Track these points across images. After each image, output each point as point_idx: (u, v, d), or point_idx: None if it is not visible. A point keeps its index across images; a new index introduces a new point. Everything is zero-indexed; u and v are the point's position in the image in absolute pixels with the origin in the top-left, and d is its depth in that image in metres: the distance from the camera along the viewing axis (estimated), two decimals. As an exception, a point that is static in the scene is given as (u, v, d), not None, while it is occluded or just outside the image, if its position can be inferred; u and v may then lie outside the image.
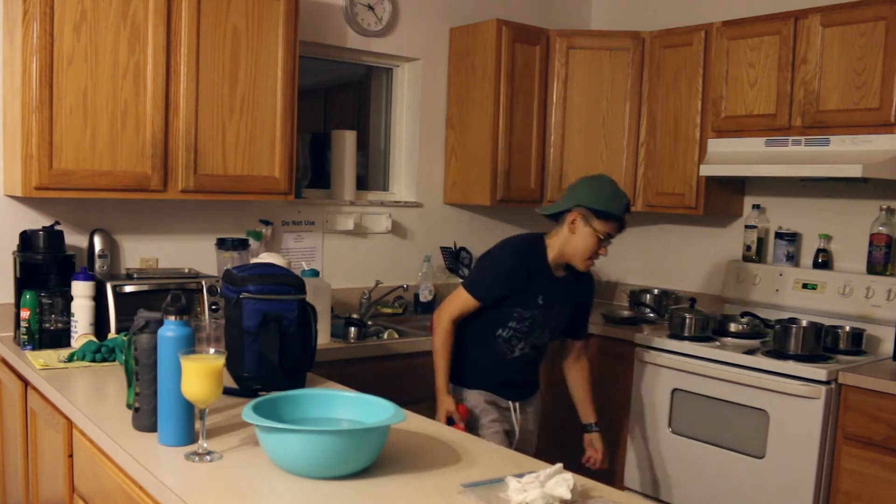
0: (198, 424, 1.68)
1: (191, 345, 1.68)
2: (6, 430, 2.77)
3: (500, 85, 3.73)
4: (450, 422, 2.44)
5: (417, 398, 2.60)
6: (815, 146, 3.19)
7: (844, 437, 2.86)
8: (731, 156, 3.45)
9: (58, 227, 2.79)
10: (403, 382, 2.63)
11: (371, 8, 3.65)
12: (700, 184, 3.61)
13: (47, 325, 2.66)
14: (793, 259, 3.61)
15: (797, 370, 2.94)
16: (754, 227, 3.70)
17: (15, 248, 2.76)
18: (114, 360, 2.43)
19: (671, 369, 3.34)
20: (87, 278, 2.65)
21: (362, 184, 3.88)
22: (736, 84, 3.46)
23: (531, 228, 4.25)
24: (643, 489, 3.45)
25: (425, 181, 3.88)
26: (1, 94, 2.81)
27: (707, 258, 3.98)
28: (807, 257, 3.59)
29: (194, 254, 3.22)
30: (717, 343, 3.31)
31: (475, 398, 2.56)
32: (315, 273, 3.01)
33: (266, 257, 2.80)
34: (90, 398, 2.10)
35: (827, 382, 2.87)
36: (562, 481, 1.45)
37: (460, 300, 2.50)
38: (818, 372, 2.89)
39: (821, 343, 3.08)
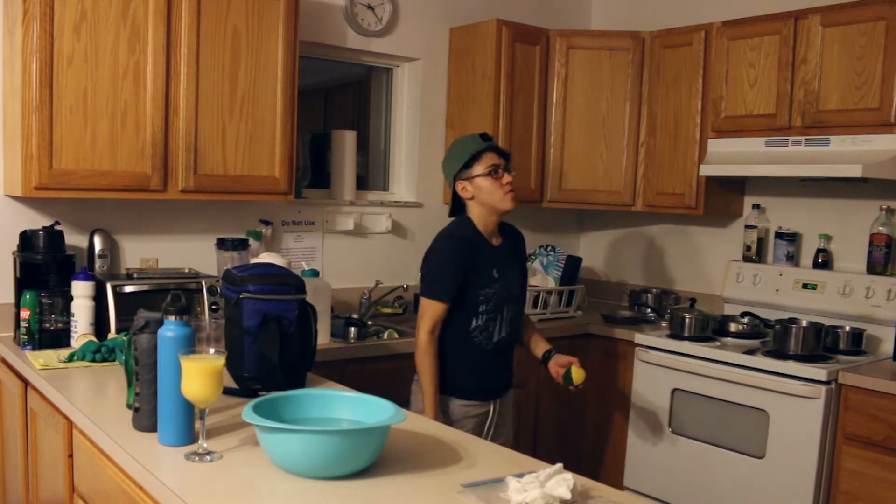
0: (198, 424, 1.68)
1: (191, 345, 1.68)
2: (6, 430, 2.78)
3: (500, 85, 3.73)
4: None
5: (417, 398, 2.59)
6: (815, 146, 3.19)
7: (844, 437, 2.86)
8: (731, 156, 3.45)
9: (58, 227, 2.79)
10: (403, 382, 2.62)
11: (371, 8, 3.65)
12: (700, 184, 3.61)
13: (47, 325, 2.66)
14: (793, 259, 3.61)
15: (797, 370, 2.94)
16: (754, 227, 3.70)
17: (15, 248, 2.76)
18: (114, 360, 2.43)
19: (671, 369, 3.34)
20: (87, 278, 2.65)
21: (362, 184, 3.88)
22: (736, 84, 3.46)
23: (531, 228, 4.27)
24: (643, 489, 3.45)
25: (425, 181, 3.88)
26: (1, 94, 2.81)
27: (707, 258, 3.98)
28: (807, 257, 3.59)
29: (194, 254, 3.22)
30: (717, 343, 3.31)
31: (459, 410, 2.53)
32: (315, 273, 3.01)
33: (266, 257, 2.80)
34: (90, 398, 2.10)
35: (827, 382, 2.87)
36: (562, 481, 1.45)
37: (428, 311, 2.46)
38: (818, 372, 2.89)
39: (821, 343, 3.08)
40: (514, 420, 2.87)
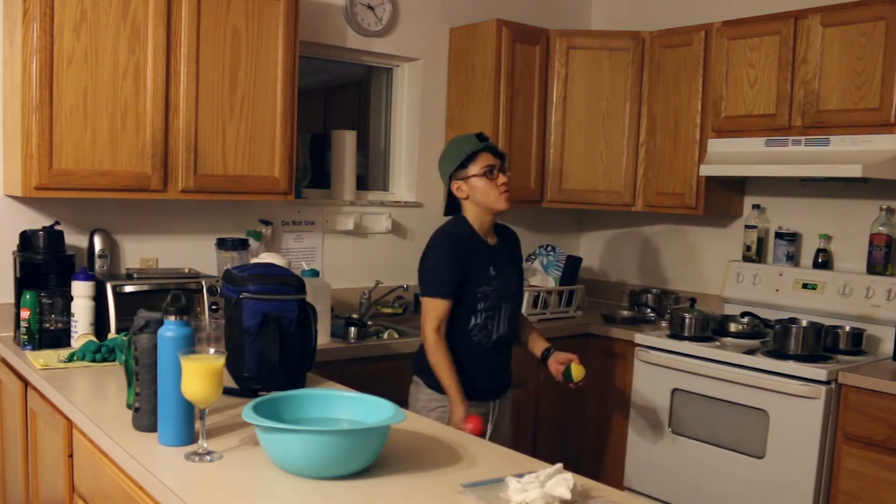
0: (198, 424, 1.68)
1: (191, 345, 1.68)
2: (6, 430, 2.78)
3: (500, 85, 3.73)
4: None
5: (417, 398, 2.59)
6: (815, 146, 3.19)
7: (844, 437, 2.86)
8: (731, 156, 3.45)
9: (58, 227, 2.79)
10: (403, 382, 2.62)
11: (371, 8, 3.65)
12: (700, 184, 3.61)
13: (47, 325, 2.66)
14: (793, 259, 3.61)
15: (797, 370, 2.94)
16: (754, 227, 3.70)
17: (15, 248, 2.76)
18: (114, 360, 2.43)
19: (671, 369, 3.34)
20: (87, 278, 2.65)
21: (362, 184, 3.88)
22: (736, 84, 3.46)
23: (531, 228, 4.27)
24: (643, 489, 3.45)
25: (425, 181, 3.88)
26: (1, 94, 2.81)
27: (707, 258, 3.98)
28: (807, 257, 3.59)
29: (194, 254, 3.22)
30: (717, 343, 3.31)
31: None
32: (315, 273, 3.01)
33: (266, 257, 2.80)
34: (90, 398, 2.10)
35: (827, 382, 2.87)
36: (562, 481, 1.45)
37: (431, 310, 2.45)
38: (818, 372, 2.89)
39: (821, 343, 3.08)
40: (514, 420, 2.87)
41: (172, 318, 1.69)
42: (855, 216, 3.43)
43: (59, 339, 2.67)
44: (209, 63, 2.85)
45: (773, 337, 3.15)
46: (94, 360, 2.42)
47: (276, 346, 2.10)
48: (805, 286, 3.48)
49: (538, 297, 3.70)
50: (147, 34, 2.71)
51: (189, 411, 1.70)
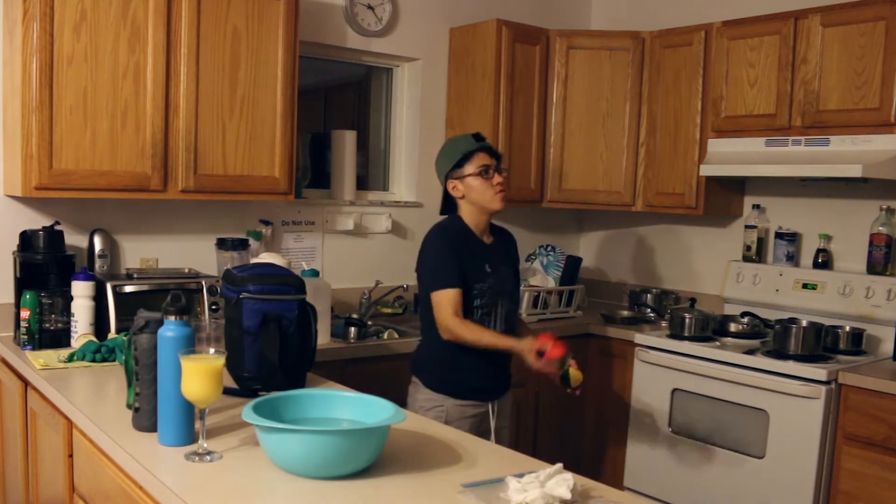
0: (198, 424, 1.68)
1: (191, 345, 1.68)
2: (6, 430, 2.78)
3: (500, 85, 3.73)
4: (540, 354, 2.38)
5: (417, 398, 2.59)
6: (815, 146, 3.19)
7: (844, 437, 2.86)
8: (731, 156, 3.45)
9: (58, 227, 2.79)
10: (403, 382, 2.62)
11: (371, 8, 3.65)
12: (700, 184, 3.61)
13: (47, 325, 2.66)
14: (793, 259, 3.61)
15: (797, 370, 2.94)
16: (754, 227, 3.70)
17: (15, 248, 2.76)
18: (114, 360, 2.43)
19: (671, 369, 3.34)
20: (87, 278, 2.65)
21: (362, 184, 3.88)
22: (736, 84, 3.46)
23: (531, 228, 4.27)
24: (643, 489, 3.45)
25: (425, 181, 3.87)
26: (1, 94, 2.81)
27: (707, 258, 3.98)
28: (807, 257, 3.59)
29: (194, 254, 3.22)
30: (717, 343, 3.31)
31: (456, 411, 2.53)
32: (315, 273, 3.02)
33: (266, 257, 2.80)
34: (90, 398, 2.10)
35: (827, 382, 2.87)
36: (562, 481, 1.45)
37: (444, 300, 2.43)
38: (818, 372, 2.89)
39: (821, 343, 3.08)
40: (514, 420, 2.87)
41: (172, 318, 1.69)
42: (855, 216, 3.43)
43: (59, 339, 2.67)
44: (209, 63, 2.85)
45: (773, 337, 3.15)
46: (94, 360, 2.42)
47: (276, 346, 2.10)
48: (805, 286, 3.48)
49: (538, 297, 3.70)
50: (147, 34, 2.71)
51: (189, 411, 1.70)
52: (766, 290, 3.60)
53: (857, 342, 3.18)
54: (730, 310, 3.72)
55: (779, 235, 3.64)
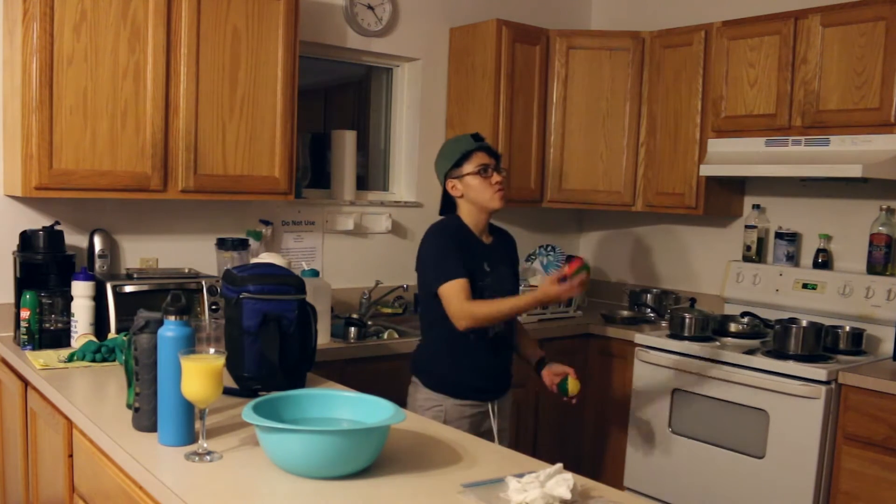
0: (198, 424, 1.68)
1: (191, 345, 1.68)
2: (6, 430, 2.78)
3: (500, 85, 3.73)
4: (563, 280, 2.36)
5: (417, 398, 2.59)
6: (815, 146, 3.19)
7: (844, 437, 2.86)
8: (731, 156, 3.45)
9: (58, 227, 2.79)
10: (403, 382, 2.62)
11: (371, 8, 3.65)
12: (700, 184, 3.61)
13: (47, 325, 2.66)
14: (793, 259, 3.61)
15: (797, 370, 2.94)
16: (754, 227, 3.70)
17: (15, 248, 2.76)
18: (114, 360, 2.43)
19: (671, 369, 3.34)
20: (87, 278, 2.65)
21: (362, 184, 3.88)
22: (736, 84, 3.46)
23: (531, 228, 4.27)
24: (643, 489, 3.45)
25: (425, 181, 3.87)
26: (1, 94, 2.81)
27: (707, 258, 3.98)
28: (807, 257, 3.59)
29: (194, 254, 3.22)
30: (717, 343, 3.31)
31: (455, 410, 2.53)
32: (315, 273, 3.02)
33: (266, 257, 2.80)
34: (90, 398, 2.10)
35: (827, 382, 2.87)
36: (562, 481, 1.45)
37: (452, 291, 2.40)
38: (818, 372, 2.89)
39: (821, 343, 3.08)
40: (514, 420, 2.87)
41: (172, 318, 1.69)
42: (855, 216, 3.43)
43: (59, 339, 2.67)
44: (209, 63, 2.85)
45: (773, 337, 3.15)
46: (94, 360, 2.42)
47: (276, 346, 2.10)
48: (805, 286, 3.48)
49: (538, 297, 3.70)
50: (147, 34, 2.71)
51: (189, 411, 1.70)
52: (766, 290, 3.60)
53: (857, 342, 3.18)
54: (730, 310, 3.72)
55: (779, 235, 3.64)
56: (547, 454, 3.21)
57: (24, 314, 2.60)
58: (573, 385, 2.58)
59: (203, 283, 2.85)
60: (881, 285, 3.24)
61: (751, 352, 3.15)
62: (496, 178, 2.49)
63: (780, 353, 3.06)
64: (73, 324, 2.64)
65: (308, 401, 1.74)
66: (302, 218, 3.53)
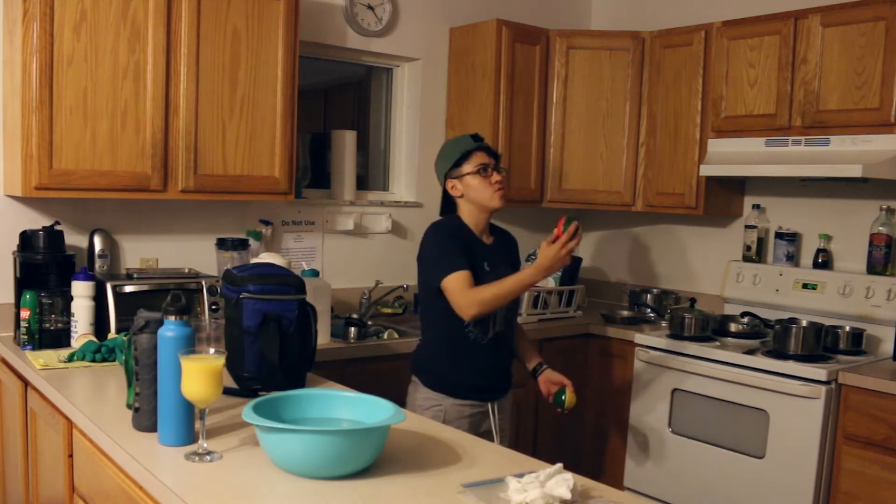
0: (198, 424, 1.68)
1: (191, 345, 1.68)
2: (6, 430, 2.78)
3: (500, 85, 3.73)
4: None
5: (417, 398, 2.59)
6: (815, 146, 3.19)
7: (844, 437, 2.87)
8: (731, 156, 3.45)
9: (58, 227, 2.79)
10: (403, 382, 2.62)
11: (371, 8, 3.65)
12: (700, 184, 3.61)
13: (47, 325, 2.66)
14: (793, 259, 3.61)
15: (797, 370, 2.94)
16: (754, 227, 3.70)
17: (15, 248, 2.76)
18: (114, 360, 2.43)
19: (671, 369, 3.34)
20: (87, 278, 2.65)
21: (362, 184, 3.88)
22: (736, 84, 3.46)
23: (531, 228, 4.27)
24: (643, 489, 3.45)
25: (425, 181, 3.87)
26: (1, 94, 2.81)
27: (707, 258, 3.98)
28: (807, 257, 3.59)
29: (194, 254, 3.22)
30: (717, 343, 3.31)
31: (454, 410, 2.53)
32: (315, 273, 3.02)
33: (266, 257, 2.80)
34: (90, 398, 2.10)
35: (827, 382, 2.87)
36: (562, 481, 1.45)
37: (456, 283, 2.39)
38: (818, 372, 2.89)
39: (821, 343, 3.08)
40: (514, 420, 2.87)
41: (172, 318, 1.69)
42: (855, 216, 3.43)
43: (59, 339, 2.67)
44: (209, 63, 2.85)
45: (773, 337, 3.15)
46: (94, 360, 2.42)
47: (276, 346, 2.10)
48: (805, 286, 3.48)
49: (538, 297, 3.70)
50: (147, 34, 2.71)
51: (189, 411, 1.70)
52: (766, 290, 3.60)
53: (857, 342, 3.18)
54: (730, 310, 3.72)
55: (779, 235, 3.64)
56: (547, 454, 3.21)
57: (24, 314, 2.60)
58: (570, 398, 2.61)
59: (203, 283, 2.85)
60: (881, 285, 3.24)
61: (751, 352, 3.15)
62: (496, 177, 2.50)
63: (780, 353, 3.06)
64: (73, 324, 2.64)
65: (308, 401, 1.74)
66: (302, 218, 3.53)
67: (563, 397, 2.60)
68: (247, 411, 1.56)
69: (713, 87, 3.54)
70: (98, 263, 2.94)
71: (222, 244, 3.14)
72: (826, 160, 3.11)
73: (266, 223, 3.39)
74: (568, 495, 1.43)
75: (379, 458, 1.62)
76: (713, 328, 3.42)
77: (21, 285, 2.69)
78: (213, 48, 2.85)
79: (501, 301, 2.41)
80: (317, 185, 3.71)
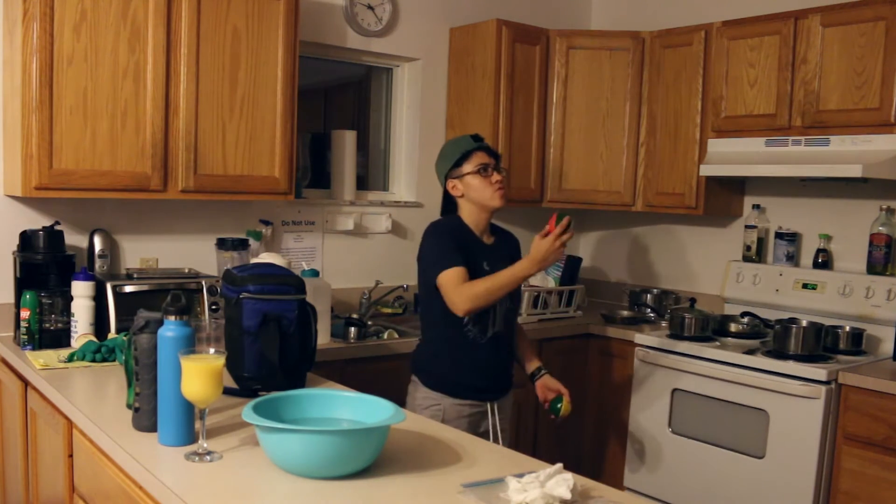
0: (198, 424, 1.68)
1: (191, 345, 1.68)
2: (6, 430, 2.78)
3: (500, 85, 3.73)
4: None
5: (417, 398, 2.59)
6: (815, 146, 3.19)
7: (844, 437, 2.87)
8: (731, 156, 3.45)
9: (58, 227, 2.79)
10: (403, 382, 2.62)
11: (371, 8, 3.65)
12: (700, 184, 3.61)
13: (47, 325, 2.66)
14: (793, 259, 3.61)
15: (797, 370, 2.94)
16: (754, 227, 3.70)
17: (15, 248, 2.76)
18: (114, 360, 2.43)
19: (671, 369, 3.34)
20: (87, 278, 2.65)
21: (362, 184, 3.88)
22: (736, 84, 3.46)
23: (531, 228, 4.26)
24: (643, 489, 3.45)
25: (425, 181, 3.87)
26: (1, 94, 2.81)
27: (707, 258, 3.98)
28: (807, 257, 3.59)
29: (194, 254, 3.22)
30: (717, 343, 3.31)
31: (452, 410, 2.53)
32: (315, 273, 3.02)
33: (266, 257, 2.80)
34: (90, 398, 2.10)
35: (827, 382, 2.87)
36: (562, 481, 1.45)
37: (449, 279, 2.39)
38: (818, 372, 2.89)
39: (821, 343, 3.08)
40: (514, 422, 2.86)
41: (172, 318, 1.69)
42: (855, 216, 3.43)
43: (59, 339, 2.67)
44: (209, 63, 2.85)
45: (773, 337, 3.15)
46: (94, 360, 2.42)
47: (276, 346, 2.10)
48: (805, 286, 3.48)
49: (538, 297, 3.70)
50: (147, 34, 2.71)
51: (189, 411, 1.70)
52: (766, 290, 3.60)
53: (857, 342, 3.18)
54: (730, 310, 3.72)
55: (779, 235, 3.64)
56: (547, 454, 3.21)
57: (24, 314, 2.60)
58: (566, 407, 2.63)
59: (203, 283, 2.85)
60: (881, 285, 3.24)
61: (751, 352, 3.15)
62: (496, 176, 2.50)
63: (780, 353, 3.06)
64: (73, 324, 2.64)
65: (308, 401, 1.74)
66: (302, 218, 3.53)
67: (559, 406, 2.62)
68: (247, 411, 1.56)
69: (713, 87, 3.54)
70: (98, 263, 2.94)
71: (222, 244, 3.14)
72: (826, 160, 3.11)
73: (266, 223, 3.39)
74: (568, 495, 1.43)
75: (379, 458, 1.62)
76: (713, 328, 3.42)
77: (21, 285, 2.69)
78: (213, 48, 2.85)
79: (495, 295, 2.39)
80: (317, 185, 3.71)
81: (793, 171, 3.19)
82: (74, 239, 2.94)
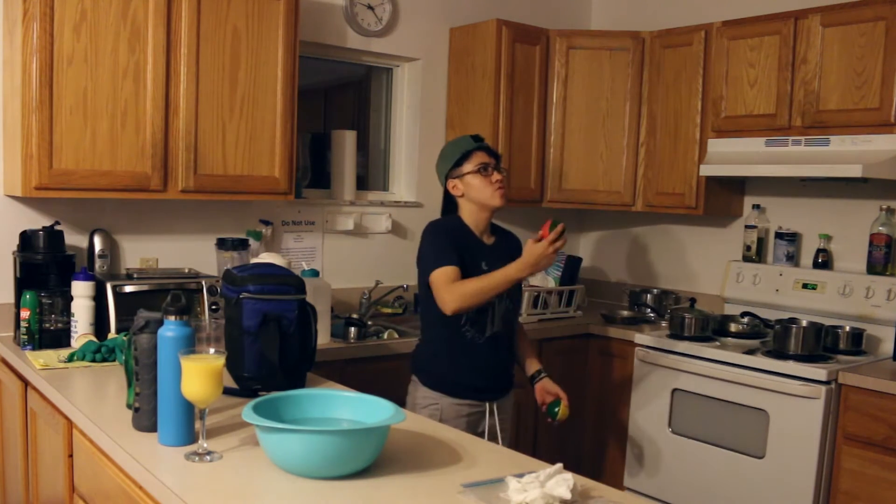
0: (198, 424, 1.68)
1: (191, 345, 1.68)
2: (6, 430, 2.78)
3: (500, 85, 3.73)
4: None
5: (417, 398, 2.59)
6: (815, 146, 3.19)
7: (844, 437, 2.87)
8: (731, 156, 3.45)
9: (58, 227, 2.80)
10: (403, 382, 2.62)
11: (371, 8, 3.65)
12: (700, 184, 3.61)
13: (47, 325, 2.66)
14: (793, 259, 3.61)
15: (797, 370, 2.94)
16: (754, 227, 3.70)
17: (15, 248, 2.76)
18: (114, 360, 2.43)
19: (671, 369, 3.34)
20: (87, 278, 2.65)
21: (362, 184, 3.88)
22: (736, 84, 3.46)
23: (531, 228, 4.27)
24: (643, 489, 3.45)
25: (425, 181, 3.88)
26: (1, 94, 2.81)
27: (707, 258, 3.98)
28: (807, 257, 3.59)
29: (194, 254, 3.22)
30: (717, 343, 3.31)
31: (451, 410, 2.52)
32: (315, 273, 3.02)
33: (266, 257, 2.80)
34: (90, 398, 2.10)
35: (827, 382, 2.87)
36: (562, 481, 1.45)
37: (440, 277, 2.39)
38: (818, 372, 2.89)
39: (821, 343, 3.08)
40: (514, 422, 2.86)
41: (172, 318, 1.69)
42: (855, 216, 3.43)
43: (59, 339, 2.67)
44: (209, 63, 2.85)
45: (773, 337, 3.15)
46: (94, 360, 2.42)
47: (276, 346, 2.10)
48: (805, 286, 3.48)
49: (538, 297, 3.70)
50: (147, 34, 2.71)
51: (189, 411, 1.70)
52: (766, 290, 3.60)
53: (857, 342, 3.18)
54: (730, 310, 3.72)
55: (779, 235, 3.64)
56: (547, 454, 3.20)
57: (24, 314, 2.60)
58: (563, 411, 2.63)
59: (203, 283, 2.85)
60: (881, 285, 3.24)
61: (751, 352, 3.15)
62: (496, 176, 2.51)
63: (780, 353, 3.06)
64: (73, 324, 2.64)
65: (308, 401, 1.74)
66: (302, 218, 3.53)
67: (557, 410, 2.63)
68: (247, 411, 1.56)
69: (713, 87, 3.54)
70: (98, 263, 2.94)
71: (222, 244, 3.14)
72: (826, 160, 3.11)
73: (266, 223, 3.39)
74: (568, 495, 1.43)
75: (379, 458, 1.62)
76: (713, 328, 3.42)
77: (21, 285, 2.69)
78: (213, 48, 2.85)
79: (485, 295, 2.39)
80: (317, 185, 3.71)
81: (793, 171, 3.19)
82: (74, 239, 2.94)
